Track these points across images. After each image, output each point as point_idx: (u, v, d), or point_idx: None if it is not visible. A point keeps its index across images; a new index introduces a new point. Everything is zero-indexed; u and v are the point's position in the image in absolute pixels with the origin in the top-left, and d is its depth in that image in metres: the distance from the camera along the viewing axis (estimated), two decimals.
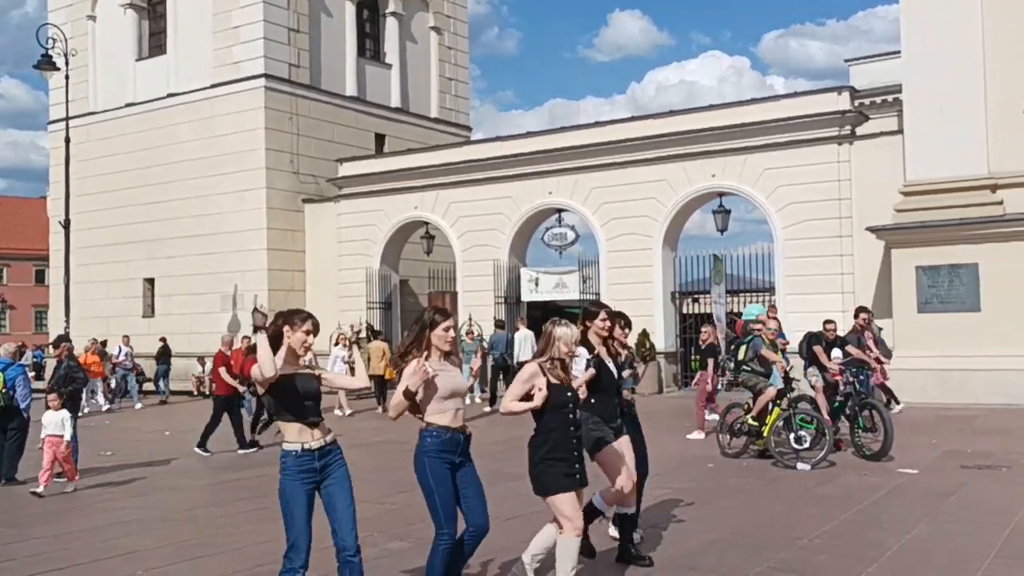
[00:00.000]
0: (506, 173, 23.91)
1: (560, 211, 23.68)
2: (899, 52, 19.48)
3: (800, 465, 10.38)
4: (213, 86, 27.06)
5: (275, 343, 4.92)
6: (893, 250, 18.21)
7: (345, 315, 25.06)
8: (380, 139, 29.52)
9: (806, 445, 10.64)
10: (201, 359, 25.57)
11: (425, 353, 5.12)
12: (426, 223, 25.68)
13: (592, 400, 6.03)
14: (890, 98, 26.43)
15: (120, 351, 23.96)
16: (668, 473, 9.79)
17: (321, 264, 26.88)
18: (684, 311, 22.82)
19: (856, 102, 20.95)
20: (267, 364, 4.77)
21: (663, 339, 21.51)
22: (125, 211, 28.53)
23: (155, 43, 29.24)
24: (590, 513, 6.12)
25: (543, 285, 23.69)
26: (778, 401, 10.83)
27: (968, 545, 6.81)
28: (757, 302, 18.93)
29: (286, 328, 5.01)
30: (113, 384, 23.90)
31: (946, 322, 17.10)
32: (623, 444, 6.24)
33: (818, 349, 12.42)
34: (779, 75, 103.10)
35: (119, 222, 28.69)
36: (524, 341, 19.37)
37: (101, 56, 29.73)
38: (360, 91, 29.01)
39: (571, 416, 5.32)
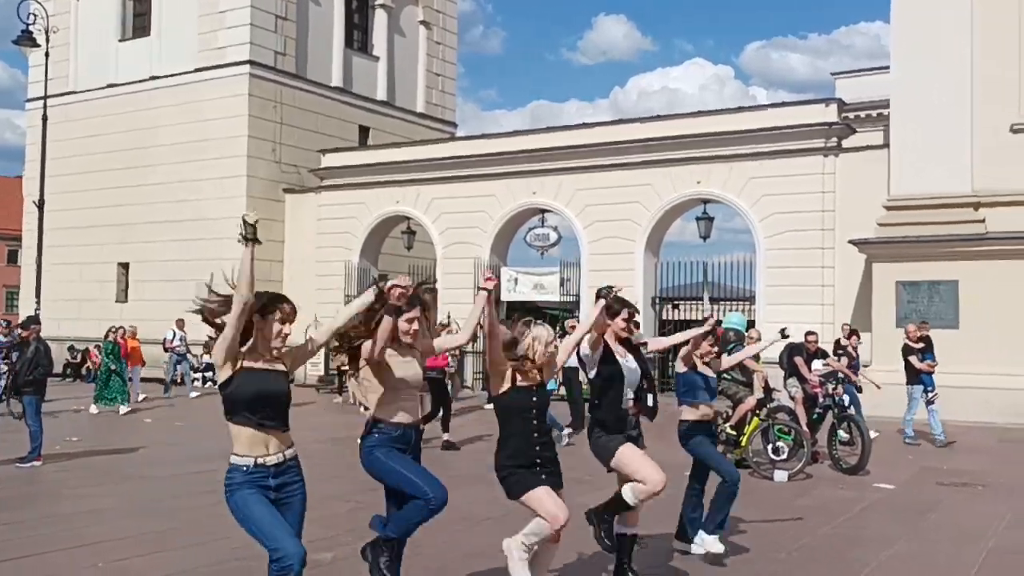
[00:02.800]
0: (490, 171, 23.76)
1: (543, 212, 23.56)
2: (886, 67, 19.56)
3: (777, 476, 10.32)
4: (197, 70, 26.73)
5: (245, 334, 4.22)
6: (874, 264, 18.25)
7: (322, 307, 24.81)
8: (364, 131, 29.29)
9: (784, 456, 10.59)
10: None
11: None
12: (408, 218, 25.48)
13: (598, 404, 5.70)
14: (875, 113, 26.57)
15: (174, 335, 21.97)
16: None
17: (300, 255, 26.60)
18: (664, 317, 22.77)
19: (843, 115, 20.98)
20: (244, 281, 4.16)
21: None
22: (102, 194, 28.11)
23: (139, 24, 28.86)
24: (622, 543, 5.75)
25: (522, 285, 23.56)
26: (757, 411, 10.76)
27: (948, 564, 6.75)
28: (737, 311, 18.88)
29: (256, 317, 4.27)
30: (166, 373, 22.43)
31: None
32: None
33: (799, 360, 12.37)
34: (760, 86, 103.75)
35: (95, 204, 28.26)
36: None
37: (83, 35, 29.29)
38: (346, 82, 28.77)
39: (534, 422, 4.98)
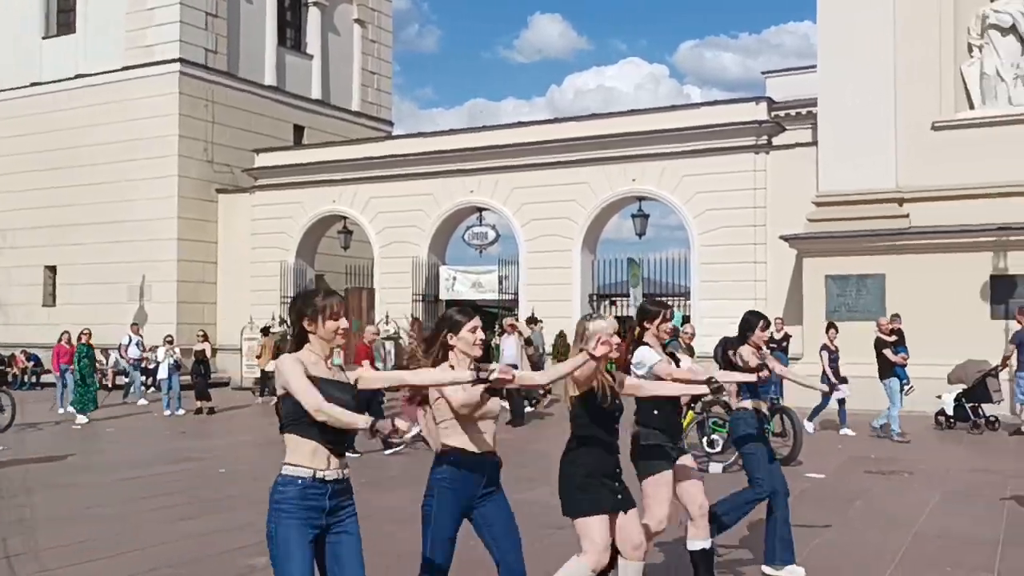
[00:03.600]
0: (428, 170, 23.70)
1: (481, 210, 23.59)
2: (814, 66, 20.02)
3: (712, 468, 10.50)
4: (125, 68, 26.14)
5: (299, 340, 3.77)
6: (804, 259, 18.67)
7: (258, 309, 24.51)
8: (299, 130, 28.97)
9: (718, 448, 10.78)
10: (105, 351, 24.63)
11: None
12: (344, 218, 25.28)
13: (655, 412, 5.25)
14: (805, 111, 27.14)
15: (130, 341, 21.26)
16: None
17: (234, 256, 26.21)
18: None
19: (773, 113, 21.43)
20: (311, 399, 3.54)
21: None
22: (27, 195, 27.34)
23: (63, 21, 28.12)
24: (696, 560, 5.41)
25: (460, 284, 23.57)
26: (692, 405, 10.93)
27: (874, 550, 6.95)
28: (673, 306, 19.17)
29: (305, 320, 3.75)
30: (129, 380, 21.57)
31: (852, 330, 17.55)
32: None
33: (732, 353, 12.57)
34: (694, 84, 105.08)
35: (20, 206, 27.48)
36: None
37: (4, 32, 28.42)
38: (280, 81, 28.41)
39: (618, 424, 4.60)
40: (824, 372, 14.05)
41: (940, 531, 7.60)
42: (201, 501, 9.07)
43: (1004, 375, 14.68)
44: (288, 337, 4.16)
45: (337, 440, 3.65)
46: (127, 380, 22.14)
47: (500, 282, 23.18)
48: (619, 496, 4.55)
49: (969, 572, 6.35)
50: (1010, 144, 17.01)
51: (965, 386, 14.69)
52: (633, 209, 22.06)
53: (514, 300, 23.06)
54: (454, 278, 23.66)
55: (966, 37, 18.03)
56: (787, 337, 16.81)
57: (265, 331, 21.39)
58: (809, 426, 13.84)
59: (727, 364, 12.86)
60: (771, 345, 15.16)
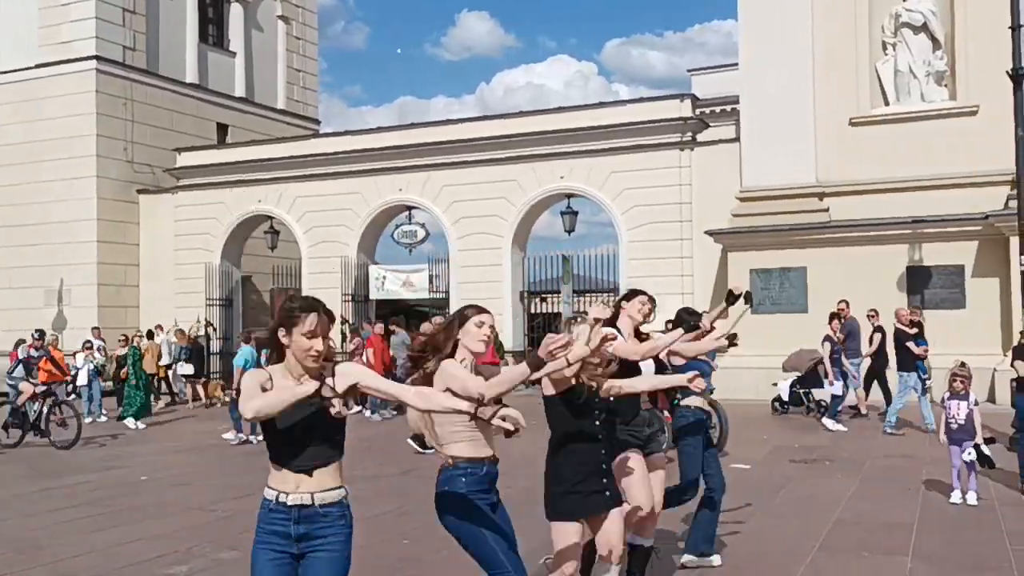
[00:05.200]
0: (355, 168, 23.46)
1: (410, 208, 23.45)
2: (738, 64, 20.36)
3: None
4: (38, 66, 25.29)
5: (275, 350, 3.50)
6: (729, 253, 19.00)
7: (183, 312, 23.97)
8: (223, 129, 28.41)
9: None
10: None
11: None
12: (270, 218, 24.89)
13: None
14: (729, 108, 27.59)
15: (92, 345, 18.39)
16: (514, 471, 9.75)
17: (157, 258, 25.59)
18: (532, 311, 23.06)
19: (697, 110, 21.76)
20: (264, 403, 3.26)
21: (511, 338, 21.65)
22: None
23: None
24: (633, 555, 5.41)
25: (390, 283, 23.41)
26: None
27: (796, 537, 7.10)
28: (601, 303, 19.32)
29: (281, 331, 3.43)
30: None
31: (777, 322, 17.95)
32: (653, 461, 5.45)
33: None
34: (621, 82, 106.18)
35: None
36: (400, 346, 18.12)
37: None
38: (201, 78, 27.82)
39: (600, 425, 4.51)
40: (824, 364, 14.12)
41: (858, 516, 7.81)
42: (118, 511, 8.81)
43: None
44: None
45: (301, 463, 3.33)
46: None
47: (431, 281, 23.09)
48: (607, 493, 4.48)
49: (886, 555, 6.53)
50: (923, 139, 17.55)
51: (799, 373, 15.36)
52: (562, 206, 22.18)
53: (445, 299, 22.98)
54: (384, 277, 23.49)
55: (881, 35, 18.55)
56: (712, 329, 17.04)
57: (150, 335, 21.00)
58: (830, 424, 13.59)
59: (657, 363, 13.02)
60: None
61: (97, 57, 24.82)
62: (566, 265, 21.96)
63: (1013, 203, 14.58)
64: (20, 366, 14.25)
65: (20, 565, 6.73)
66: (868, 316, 15.21)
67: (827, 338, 14.28)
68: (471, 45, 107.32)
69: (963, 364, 8.67)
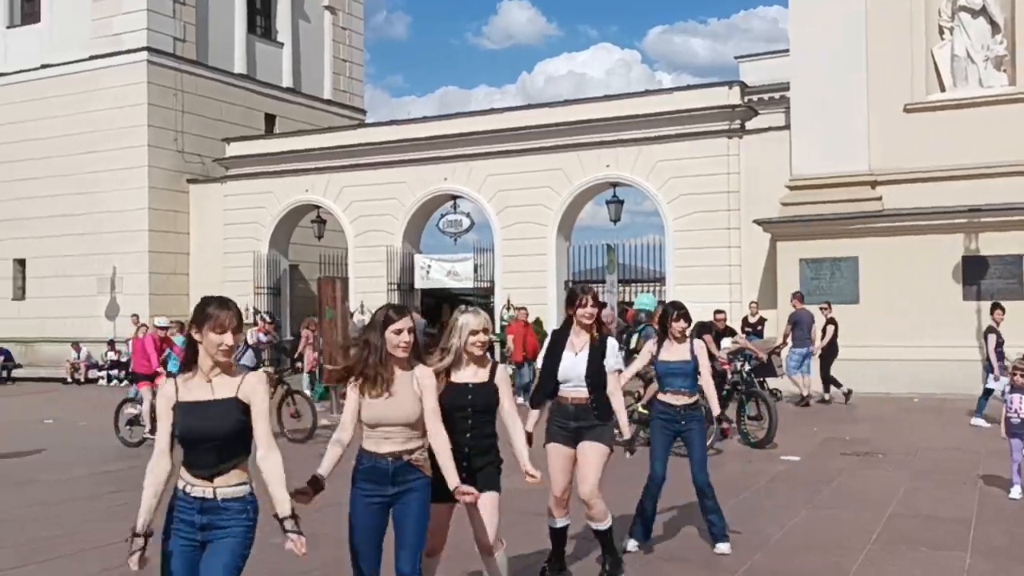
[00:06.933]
0: (401, 158, 23.53)
1: (455, 198, 23.46)
2: (788, 50, 20.01)
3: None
4: (91, 58, 25.75)
5: (190, 351, 3.66)
6: (778, 243, 18.70)
7: (233, 299, 24.22)
8: (270, 119, 28.69)
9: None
10: (76, 344, 24.36)
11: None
12: (317, 207, 25.07)
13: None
14: (778, 95, 27.17)
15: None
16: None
17: (207, 247, 25.94)
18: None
19: (746, 98, 21.43)
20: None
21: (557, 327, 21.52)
22: None
23: (28, 10, 27.68)
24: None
25: (435, 272, 23.45)
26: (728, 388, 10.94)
27: (849, 530, 6.95)
28: (648, 292, 19.16)
29: (192, 329, 3.60)
30: None
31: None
32: (581, 450, 5.53)
33: (707, 338, 12.55)
34: (664, 70, 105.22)
35: None
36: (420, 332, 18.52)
37: None
38: (249, 69, 28.10)
39: (468, 421, 4.54)
40: (988, 358, 12.94)
41: (913, 510, 7.62)
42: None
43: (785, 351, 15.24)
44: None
45: (199, 462, 3.50)
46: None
47: (475, 270, 23.09)
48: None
49: (944, 550, 6.35)
50: (981, 126, 17.09)
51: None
52: (608, 195, 22.02)
53: (490, 288, 22.97)
54: (429, 266, 23.54)
55: (937, 19, 18.08)
56: (762, 321, 16.87)
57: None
58: (979, 421, 12.68)
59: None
60: (746, 329, 15.20)
61: (148, 49, 25.18)
62: (611, 254, 21.80)
63: None
64: (249, 352, 12.50)
65: (52, 553, 6.81)
66: (821, 308, 16.04)
67: (991, 329, 12.97)
68: (512, 34, 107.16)
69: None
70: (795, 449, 10.82)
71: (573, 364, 5.55)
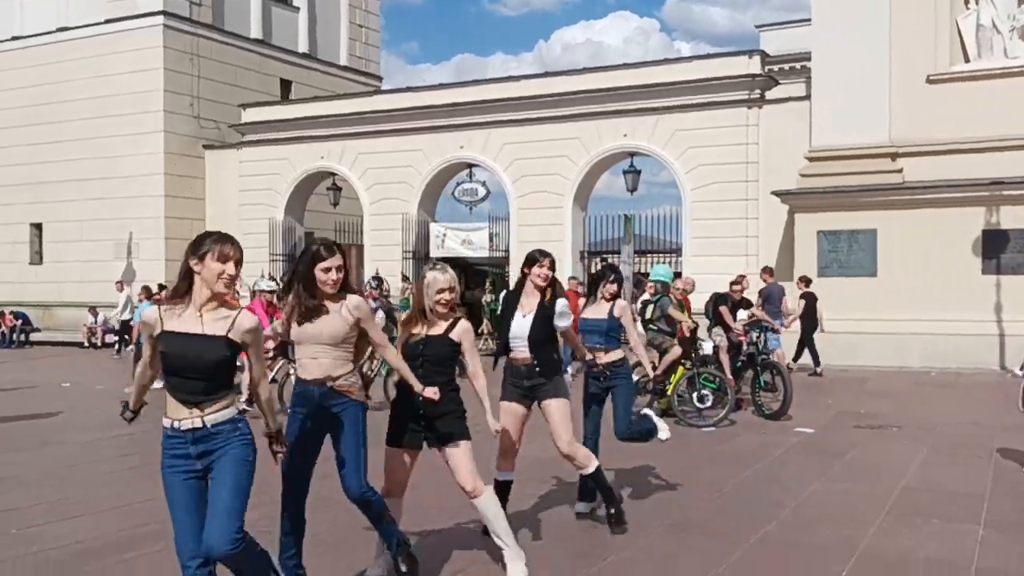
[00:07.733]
0: (417, 125, 23.42)
1: (471, 166, 23.36)
2: (808, 20, 19.71)
3: (702, 424, 10.48)
4: (107, 21, 25.69)
5: (183, 281, 3.72)
6: (796, 214, 18.55)
7: (247, 267, 24.24)
8: (286, 85, 28.60)
9: (708, 404, 10.75)
10: (93, 309, 24.53)
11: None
12: (333, 174, 25.03)
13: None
14: (799, 65, 26.85)
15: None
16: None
17: (222, 213, 25.95)
18: (593, 271, 22.85)
19: (766, 67, 21.17)
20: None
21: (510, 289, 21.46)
22: (10, 151, 27.02)
23: None
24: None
25: (450, 241, 23.41)
26: (683, 360, 10.89)
27: (862, 502, 6.93)
28: (664, 263, 19.08)
29: (192, 260, 3.67)
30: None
31: (845, 286, 17.55)
32: (545, 410, 5.71)
33: (723, 309, 12.51)
34: (683, 39, 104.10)
35: (2, 163, 27.17)
36: None
37: None
38: (265, 34, 27.97)
39: (419, 371, 4.77)
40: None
41: (926, 484, 7.59)
42: None
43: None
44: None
45: (185, 387, 3.63)
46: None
47: (491, 239, 23.05)
48: (422, 436, 4.88)
49: (956, 523, 6.34)
50: (1005, 97, 16.83)
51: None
52: (625, 165, 21.87)
53: (505, 257, 22.93)
54: (444, 235, 23.50)
55: None
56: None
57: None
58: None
59: (718, 318, 12.81)
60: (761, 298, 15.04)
61: (164, 12, 25.09)
62: (628, 225, 21.70)
63: None
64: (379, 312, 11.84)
65: (90, 509, 6.90)
66: (797, 283, 15.92)
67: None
68: (529, 0, 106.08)
69: None
70: (809, 421, 10.80)
71: (520, 325, 5.73)
